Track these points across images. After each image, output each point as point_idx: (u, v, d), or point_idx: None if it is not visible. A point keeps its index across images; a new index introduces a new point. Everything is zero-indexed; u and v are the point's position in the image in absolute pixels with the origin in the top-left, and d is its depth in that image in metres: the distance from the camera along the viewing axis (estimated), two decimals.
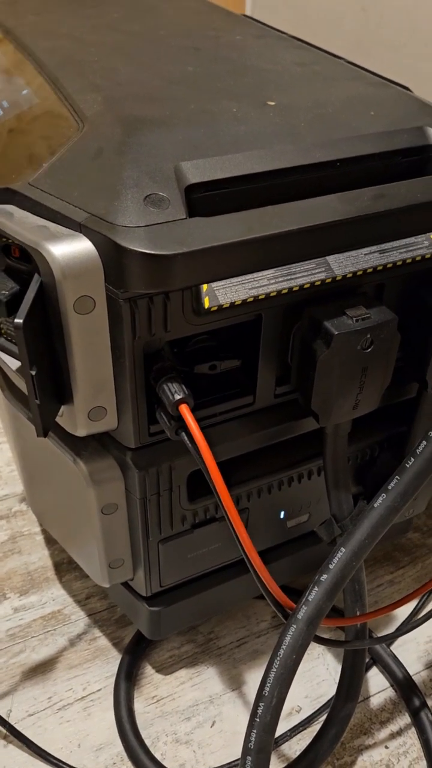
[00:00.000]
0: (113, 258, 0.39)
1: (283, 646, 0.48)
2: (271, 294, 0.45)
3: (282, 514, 0.64)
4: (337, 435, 0.52)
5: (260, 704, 0.48)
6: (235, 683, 0.70)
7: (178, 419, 0.45)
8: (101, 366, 0.44)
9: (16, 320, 0.39)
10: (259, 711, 0.48)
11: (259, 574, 0.48)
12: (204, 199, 0.42)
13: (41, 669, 0.71)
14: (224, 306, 0.44)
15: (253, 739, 0.48)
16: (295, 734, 0.66)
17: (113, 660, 0.72)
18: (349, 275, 0.47)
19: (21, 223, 0.42)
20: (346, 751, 0.64)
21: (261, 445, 0.55)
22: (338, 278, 0.47)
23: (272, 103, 0.50)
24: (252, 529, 0.63)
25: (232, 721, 0.67)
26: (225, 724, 0.67)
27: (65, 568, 0.80)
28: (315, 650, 0.73)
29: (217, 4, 0.81)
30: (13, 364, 0.53)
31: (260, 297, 0.45)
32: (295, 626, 0.48)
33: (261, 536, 0.64)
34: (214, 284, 0.45)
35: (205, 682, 0.70)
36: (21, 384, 0.53)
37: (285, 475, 0.59)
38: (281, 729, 0.67)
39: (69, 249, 0.39)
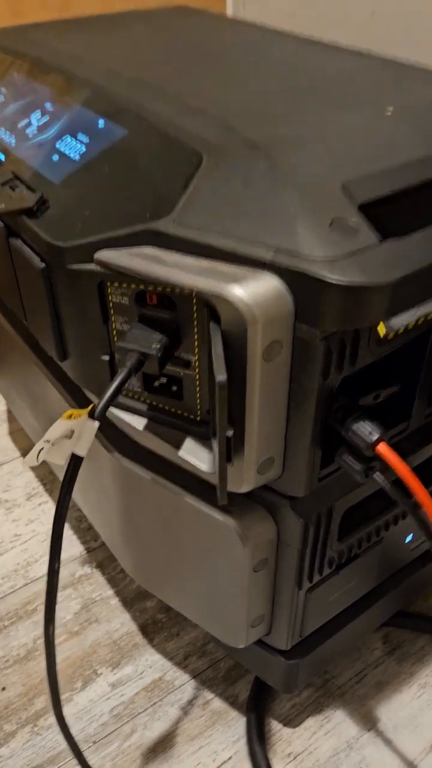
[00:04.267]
0: (314, 295, 0.35)
1: None
2: None
3: (408, 538, 0.60)
4: None
5: None
6: (369, 722, 0.66)
7: (370, 459, 0.41)
8: (277, 414, 0.40)
9: (220, 378, 0.34)
10: None
11: None
12: (378, 217, 0.38)
13: (161, 747, 0.64)
14: (399, 331, 0.41)
15: None
16: None
17: (234, 722, 0.66)
18: None
19: (180, 267, 0.37)
20: None
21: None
22: None
23: (390, 109, 0.47)
24: (382, 559, 0.59)
25: (379, 764, 0.63)
26: None
27: (152, 629, 0.74)
28: None
29: (224, 15, 0.78)
30: (138, 423, 0.48)
31: (429, 317, 0.42)
32: None
33: (387, 565, 0.61)
34: None
35: (337, 727, 0.66)
36: (151, 443, 0.48)
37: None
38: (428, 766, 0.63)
39: (259, 290, 0.35)
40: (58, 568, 0.40)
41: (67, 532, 0.85)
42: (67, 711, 0.67)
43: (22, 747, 0.64)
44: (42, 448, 0.36)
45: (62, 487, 0.38)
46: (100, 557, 0.82)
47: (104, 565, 0.81)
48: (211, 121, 0.45)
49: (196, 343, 0.42)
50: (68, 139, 0.50)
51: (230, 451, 0.38)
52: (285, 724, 0.66)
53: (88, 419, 0.38)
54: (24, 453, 0.97)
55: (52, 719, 0.66)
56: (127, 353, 0.40)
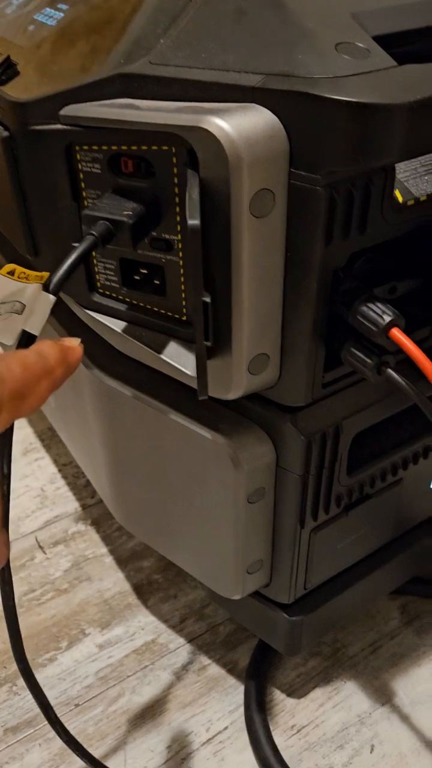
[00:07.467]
0: (314, 123, 0.28)
1: None
2: None
3: None
4: None
5: None
6: (383, 696, 0.59)
7: (382, 352, 0.34)
8: (271, 293, 0.33)
9: (192, 222, 0.27)
10: None
11: None
12: (395, 54, 0.32)
13: (150, 713, 0.58)
14: (421, 199, 0.34)
15: None
16: None
17: (232, 690, 0.60)
18: None
19: (156, 109, 0.31)
20: None
21: None
22: None
23: None
24: (400, 506, 0.52)
25: (394, 742, 0.56)
26: (386, 746, 0.55)
27: (147, 589, 0.68)
28: None
29: None
30: (117, 325, 0.42)
31: None
32: None
33: (406, 515, 0.54)
34: (400, 175, 0.35)
35: (347, 699, 0.59)
36: (131, 349, 0.41)
37: None
38: None
39: (243, 123, 0.29)
40: (9, 471, 0.34)
41: (63, 488, 0.79)
42: (50, 671, 0.61)
43: None
44: None
45: None
46: (96, 514, 0.76)
47: (99, 523, 0.75)
48: None
49: (178, 218, 0.35)
50: (47, 9, 0.45)
51: (208, 323, 0.31)
52: (289, 695, 0.59)
53: (42, 292, 0.32)
54: None
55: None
56: (95, 222, 0.34)
